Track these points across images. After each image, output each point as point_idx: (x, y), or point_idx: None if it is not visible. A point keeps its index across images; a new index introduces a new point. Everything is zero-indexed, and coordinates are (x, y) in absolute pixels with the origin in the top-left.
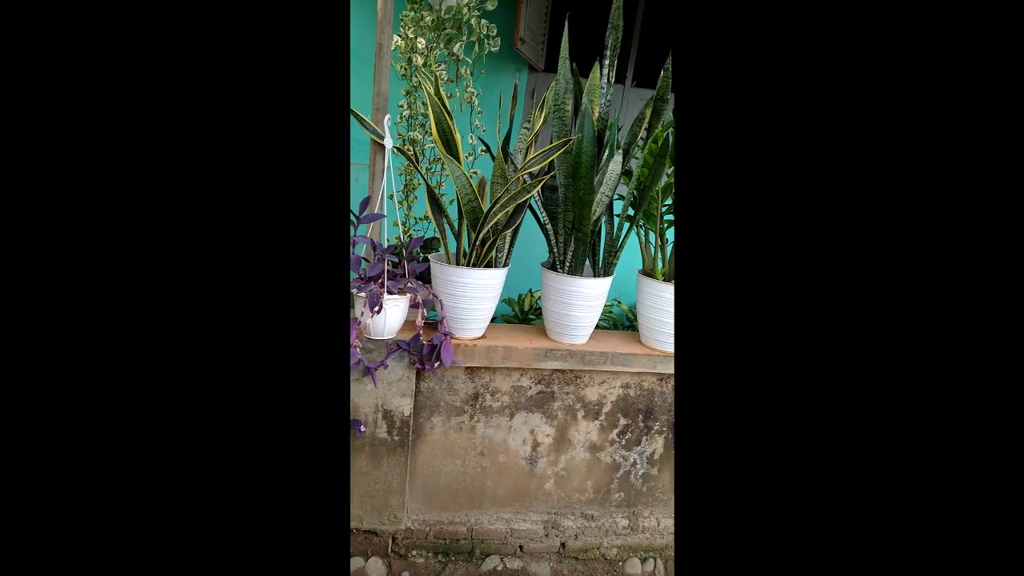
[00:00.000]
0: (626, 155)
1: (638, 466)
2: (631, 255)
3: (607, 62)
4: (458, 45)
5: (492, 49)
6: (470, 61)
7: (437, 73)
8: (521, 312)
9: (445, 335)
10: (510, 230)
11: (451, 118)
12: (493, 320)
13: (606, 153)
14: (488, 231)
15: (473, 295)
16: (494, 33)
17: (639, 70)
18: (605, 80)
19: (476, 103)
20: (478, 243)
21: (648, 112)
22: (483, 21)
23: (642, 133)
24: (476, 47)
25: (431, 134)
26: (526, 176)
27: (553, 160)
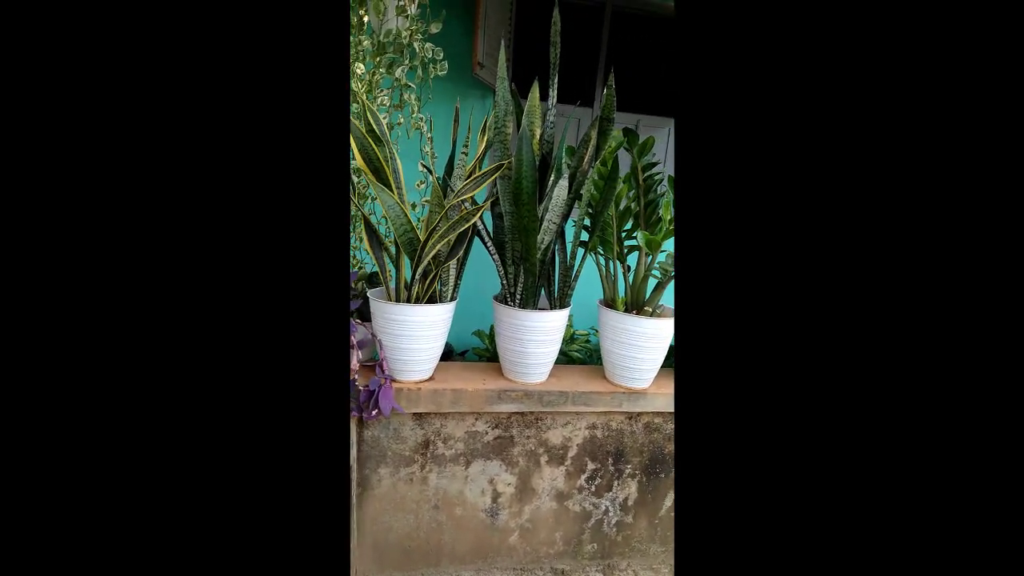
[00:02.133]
0: (573, 179)
1: (611, 514)
2: (596, 282)
3: (550, 81)
4: (400, 69)
5: (439, 73)
6: (413, 86)
7: (363, 98)
8: (492, 345)
9: (385, 379)
10: (453, 261)
11: (379, 144)
12: (462, 354)
13: (551, 177)
14: (429, 263)
15: (415, 333)
16: (440, 57)
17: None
18: (551, 101)
19: (425, 128)
20: (419, 276)
21: (594, 133)
22: (428, 45)
23: (589, 155)
24: (420, 71)
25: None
26: (469, 204)
27: (498, 187)
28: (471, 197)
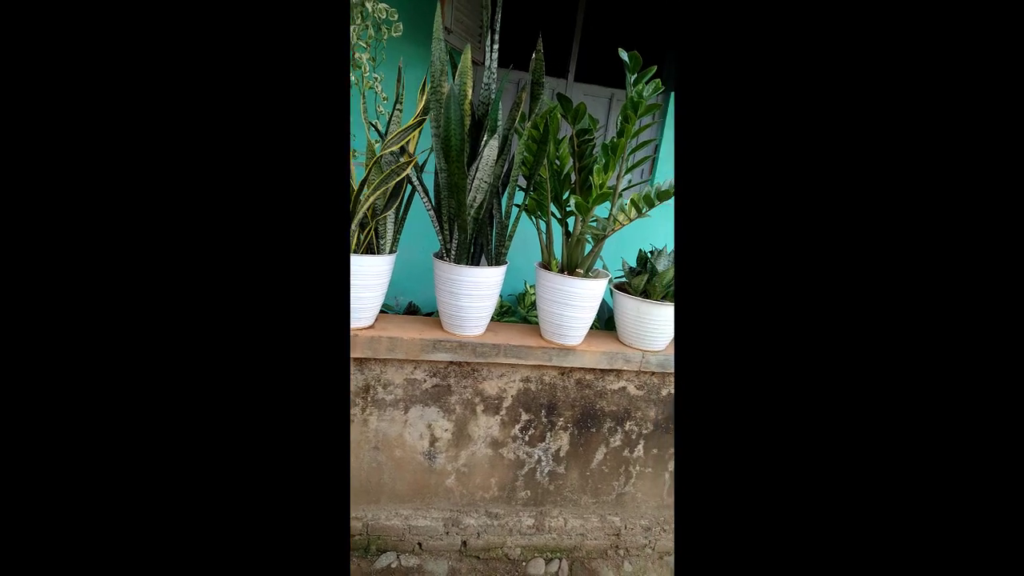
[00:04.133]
0: (506, 140)
1: (543, 463)
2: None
3: (488, 43)
4: (353, 29)
5: (393, 35)
6: (365, 46)
7: None
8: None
9: None
10: (391, 213)
11: None
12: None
13: (484, 138)
14: (365, 214)
15: (354, 283)
16: (395, 18)
17: (585, 64)
18: (488, 63)
19: (379, 89)
20: (355, 227)
21: (524, 96)
22: (382, 6)
23: (519, 117)
24: (373, 32)
25: None
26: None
27: (433, 145)
28: (409, 154)
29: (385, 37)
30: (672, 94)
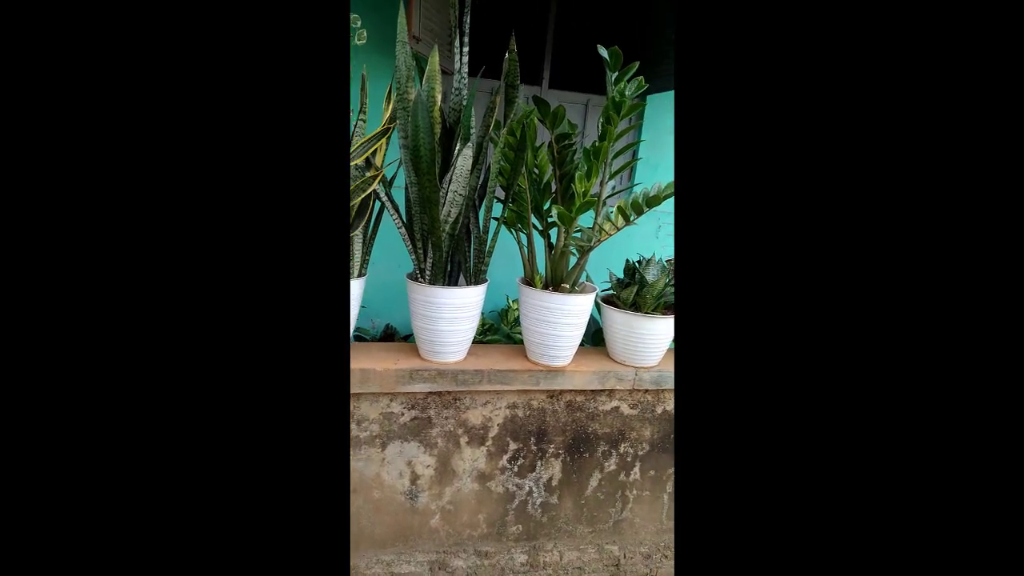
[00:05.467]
0: (480, 148)
1: (535, 494)
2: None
3: (457, 44)
4: None
5: (357, 43)
6: None
7: None
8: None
9: None
10: (358, 232)
11: None
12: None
13: (457, 147)
14: None
15: None
16: (357, 25)
17: (559, 70)
18: (457, 66)
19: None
20: None
21: (498, 100)
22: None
23: (494, 122)
24: None
25: None
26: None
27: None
28: (376, 167)
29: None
30: (647, 97)
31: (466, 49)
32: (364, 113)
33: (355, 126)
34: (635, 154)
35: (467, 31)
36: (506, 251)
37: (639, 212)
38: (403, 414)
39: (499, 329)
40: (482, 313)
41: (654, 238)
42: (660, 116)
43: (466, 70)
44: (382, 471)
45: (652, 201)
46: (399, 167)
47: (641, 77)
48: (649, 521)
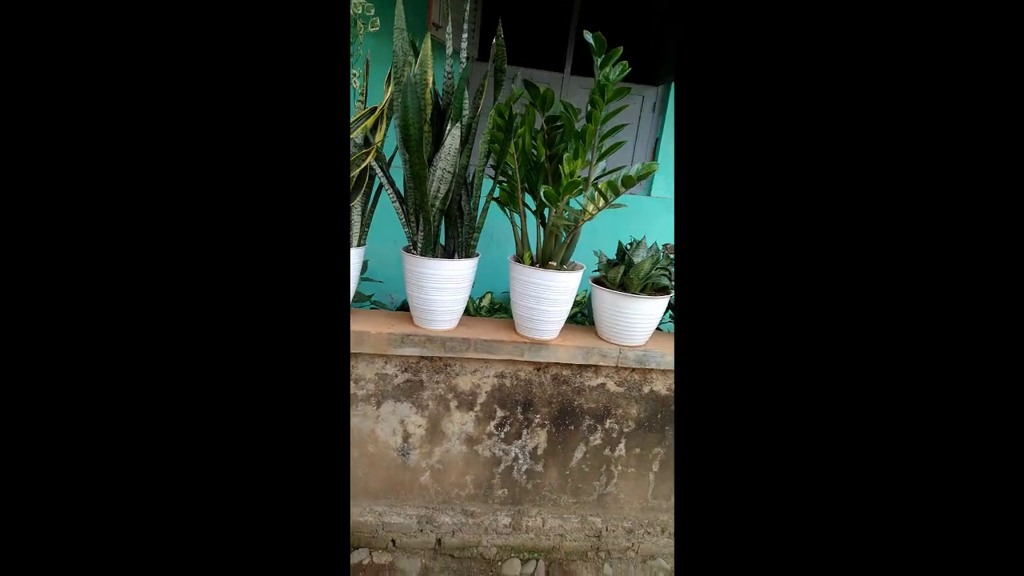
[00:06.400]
0: (470, 129)
1: (520, 461)
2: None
3: (459, 32)
4: None
5: (370, 30)
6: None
7: None
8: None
9: None
10: (355, 204)
11: None
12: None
13: (448, 127)
14: None
15: None
16: (371, 13)
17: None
18: (460, 52)
19: (357, 85)
20: None
21: (487, 83)
22: (357, 1)
23: (483, 105)
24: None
25: None
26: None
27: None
28: (376, 145)
29: (361, 33)
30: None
31: (464, 35)
32: (364, 95)
33: (355, 108)
34: (636, 139)
35: (467, 19)
36: (510, 233)
37: (616, 193)
38: (397, 376)
39: (508, 309)
40: (492, 292)
41: (654, 223)
42: None
43: (464, 55)
44: (376, 427)
45: (627, 181)
46: (396, 148)
47: (625, 62)
48: (634, 497)
